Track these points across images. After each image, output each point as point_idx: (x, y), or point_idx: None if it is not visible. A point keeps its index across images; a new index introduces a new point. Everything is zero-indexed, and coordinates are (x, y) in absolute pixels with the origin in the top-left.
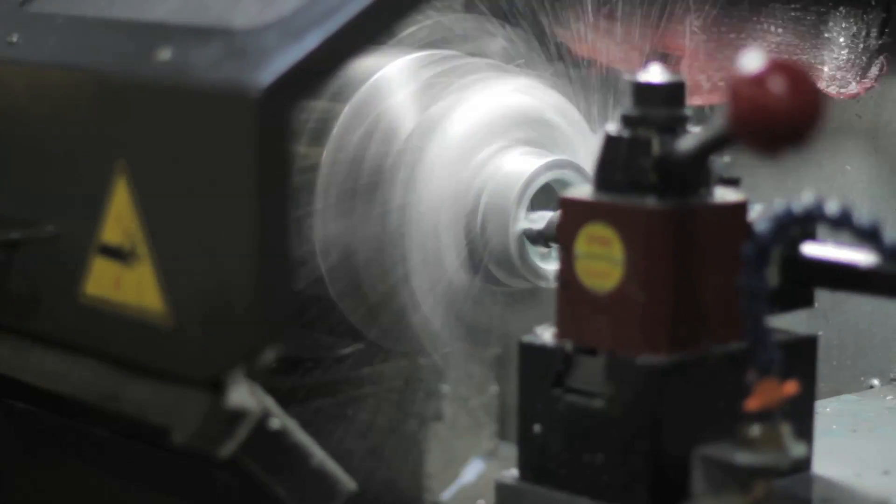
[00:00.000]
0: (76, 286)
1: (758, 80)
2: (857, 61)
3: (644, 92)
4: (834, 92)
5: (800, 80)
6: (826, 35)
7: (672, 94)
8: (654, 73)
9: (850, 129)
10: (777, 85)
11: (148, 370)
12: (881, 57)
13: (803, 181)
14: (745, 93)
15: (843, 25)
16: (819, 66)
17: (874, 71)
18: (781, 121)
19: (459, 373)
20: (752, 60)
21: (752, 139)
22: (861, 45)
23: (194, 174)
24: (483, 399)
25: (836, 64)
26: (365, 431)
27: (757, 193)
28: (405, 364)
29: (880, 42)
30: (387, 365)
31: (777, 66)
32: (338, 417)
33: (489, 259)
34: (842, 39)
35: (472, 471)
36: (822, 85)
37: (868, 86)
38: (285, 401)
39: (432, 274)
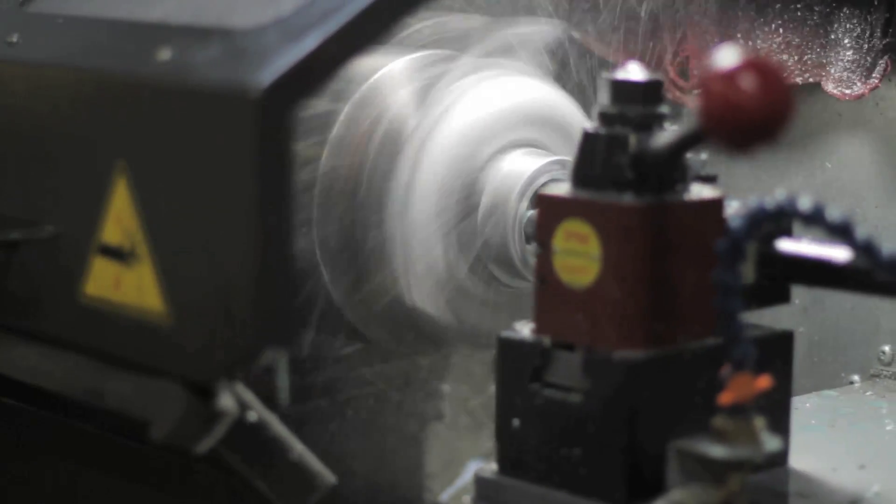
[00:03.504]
0: (76, 286)
1: (728, 77)
2: (862, 62)
3: (621, 89)
4: (839, 93)
5: (770, 78)
6: (831, 36)
7: (649, 91)
8: (632, 71)
9: (831, 127)
10: (747, 82)
11: (147, 370)
12: (885, 57)
13: (784, 178)
14: (716, 89)
15: (848, 26)
16: (825, 67)
17: (878, 71)
18: (751, 117)
19: (459, 373)
20: (724, 57)
21: (723, 135)
22: (865, 46)
23: (194, 174)
24: (483, 399)
25: (841, 65)
26: (365, 431)
27: (735, 190)
28: (405, 364)
29: (884, 42)
30: (387, 365)
31: (748, 64)
32: (338, 417)
33: (489, 259)
34: (846, 40)
35: (472, 471)
36: (828, 87)
37: (873, 86)
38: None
39: (433, 273)
